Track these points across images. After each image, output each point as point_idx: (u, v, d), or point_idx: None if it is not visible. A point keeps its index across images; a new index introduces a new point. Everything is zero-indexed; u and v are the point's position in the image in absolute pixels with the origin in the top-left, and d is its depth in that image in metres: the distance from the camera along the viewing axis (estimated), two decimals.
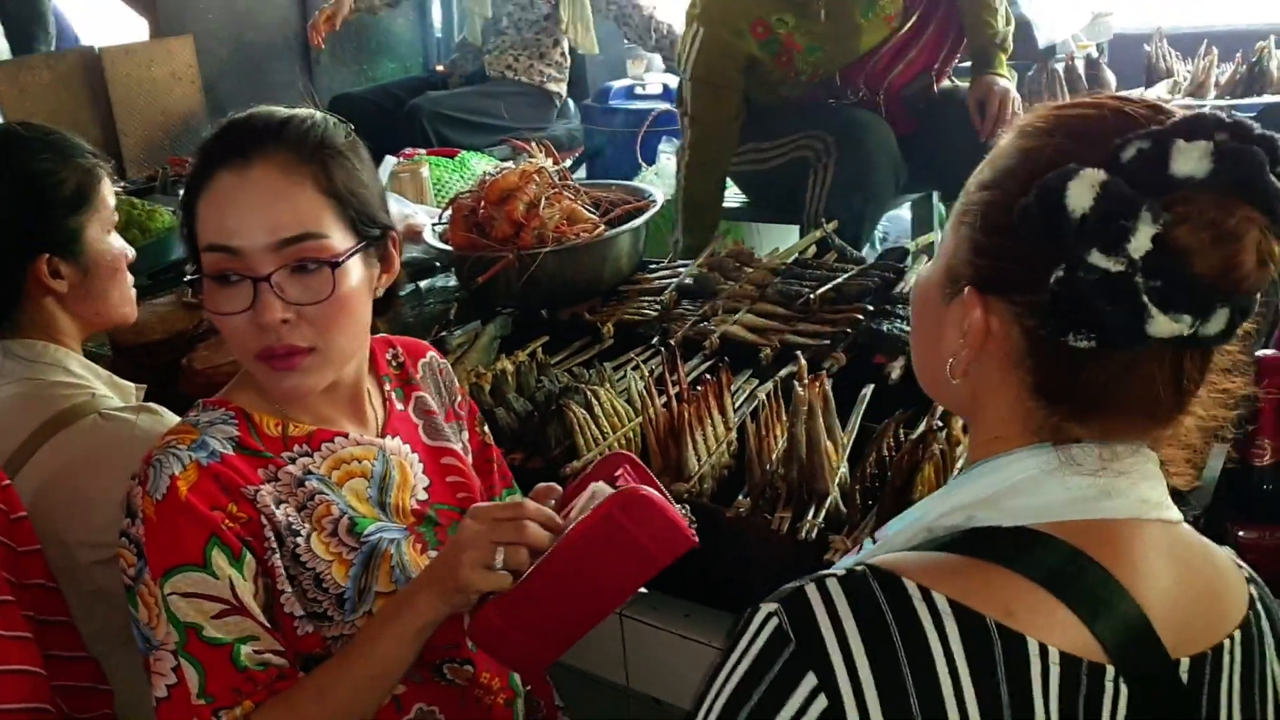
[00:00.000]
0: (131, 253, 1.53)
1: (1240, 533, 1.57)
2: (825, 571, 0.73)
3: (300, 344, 1.10)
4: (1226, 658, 0.77)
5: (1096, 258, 0.68)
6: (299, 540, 1.11)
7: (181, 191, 1.14)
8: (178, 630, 1.03)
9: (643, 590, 1.10)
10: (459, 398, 1.38)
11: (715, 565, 1.47)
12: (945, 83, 2.74)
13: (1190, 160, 0.67)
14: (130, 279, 1.53)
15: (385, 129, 3.66)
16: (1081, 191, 0.68)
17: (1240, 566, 0.85)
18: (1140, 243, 0.67)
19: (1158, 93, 3.20)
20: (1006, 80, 2.52)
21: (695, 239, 2.60)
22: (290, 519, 1.11)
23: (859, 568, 0.73)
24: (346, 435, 1.19)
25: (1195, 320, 0.69)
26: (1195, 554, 0.80)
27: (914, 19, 2.67)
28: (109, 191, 1.49)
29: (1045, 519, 0.74)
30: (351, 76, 4.89)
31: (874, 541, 0.84)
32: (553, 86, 3.90)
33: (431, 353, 1.38)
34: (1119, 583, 0.72)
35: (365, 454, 1.20)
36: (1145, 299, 0.67)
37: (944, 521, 0.78)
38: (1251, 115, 2.55)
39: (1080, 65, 3.62)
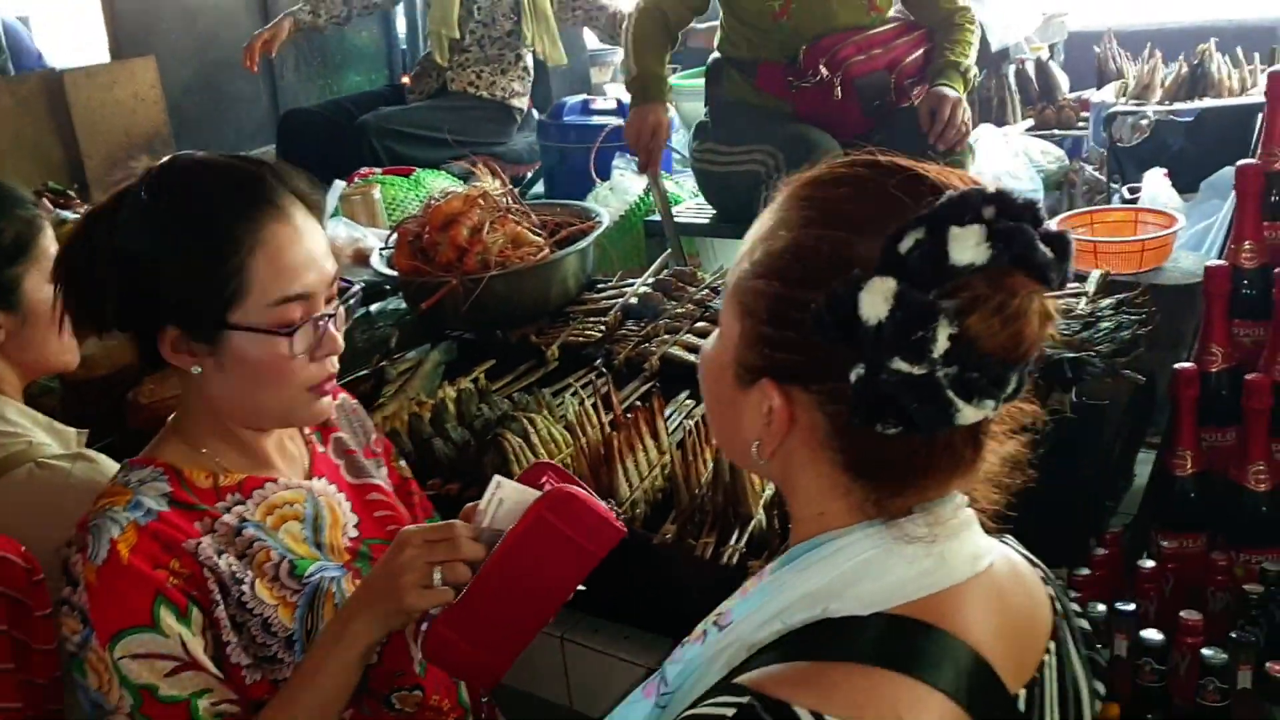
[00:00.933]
0: None
1: (1163, 541, 1.61)
2: (713, 712, 0.72)
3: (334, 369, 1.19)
4: (1048, 672, 0.81)
5: (898, 364, 0.68)
6: (244, 588, 1.13)
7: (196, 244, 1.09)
8: (131, 693, 1.04)
9: (581, 588, 1.11)
10: (374, 435, 1.41)
11: (647, 590, 1.51)
12: (907, 103, 2.77)
13: (968, 248, 0.68)
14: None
15: (337, 145, 3.65)
16: (875, 302, 0.68)
17: (1035, 565, 0.87)
18: (940, 345, 0.67)
19: (1104, 96, 3.24)
20: (958, 92, 2.57)
21: (640, 64, 2.80)
22: (233, 568, 1.13)
23: (745, 700, 0.70)
24: (275, 480, 1.22)
25: (996, 400, 0.70)
26: (1009, 587, 0.82)
27: (896, 23, 2.73)
28: (51, 241, 1.50)
29: (896, 601, 0.75)
30: (315, 90, 4.88)
31: (719, 629, 0.81)
32: (515, 102, 3.89)
33: (342, 395, 1.41)
34: (975, 652, 0.74)
35: (295, 497, 1.22)
36: (950, 393, 0.68)
37: (798, 615, 0.77)
38: (1188, 120, 2.59)
39: (1031, 69, 3.66)
